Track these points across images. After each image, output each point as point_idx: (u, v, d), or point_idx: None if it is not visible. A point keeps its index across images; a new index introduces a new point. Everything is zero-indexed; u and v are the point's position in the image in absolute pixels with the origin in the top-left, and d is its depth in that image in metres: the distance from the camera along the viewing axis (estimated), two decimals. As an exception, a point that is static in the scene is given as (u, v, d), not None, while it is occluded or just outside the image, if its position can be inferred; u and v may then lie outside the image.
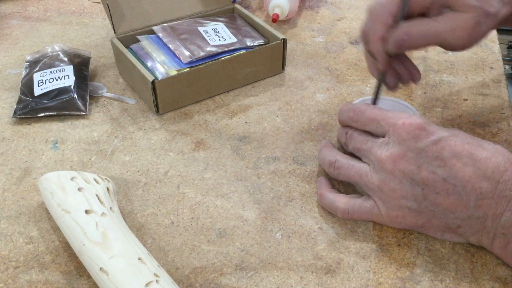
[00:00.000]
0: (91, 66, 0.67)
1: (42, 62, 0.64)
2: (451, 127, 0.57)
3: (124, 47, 0.63)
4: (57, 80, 0.61)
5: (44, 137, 0.57)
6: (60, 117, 0.60)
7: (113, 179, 0.51)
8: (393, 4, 0.46)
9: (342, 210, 0.46)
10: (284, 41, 0.65)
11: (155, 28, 0.66)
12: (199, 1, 0.70)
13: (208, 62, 0.61)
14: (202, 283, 0.42)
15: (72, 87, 0.61)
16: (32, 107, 0.59)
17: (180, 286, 0.42)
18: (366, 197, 0.46)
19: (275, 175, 0.52)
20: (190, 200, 0.50)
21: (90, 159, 0.54)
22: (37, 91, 0.61)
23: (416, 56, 0.71)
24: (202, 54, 0.62)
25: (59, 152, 0.55)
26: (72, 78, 0.62)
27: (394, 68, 0.51)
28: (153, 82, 0.57)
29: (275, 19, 0.74)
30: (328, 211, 0.48)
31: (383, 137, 0.45)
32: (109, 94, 0.64)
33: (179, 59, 0.62)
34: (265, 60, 0.65)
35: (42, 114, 0.59)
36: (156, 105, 0.59)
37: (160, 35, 0.65)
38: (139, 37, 0.66)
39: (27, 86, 0.62)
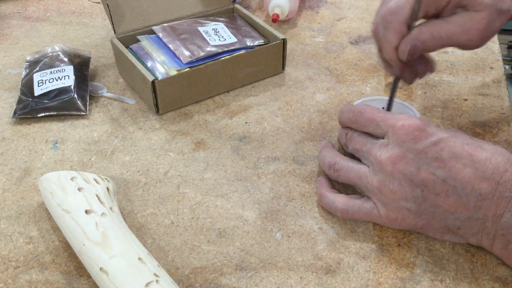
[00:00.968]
0: (91, 66, 0.67)
1: (42, 62, 0.64)
2: (451, 127, 0.57)
3: (124, 47, 0.63)
4: (57, 80, 0.61)
5: (44, 137, 0.57)
6: (60, 117, 0.60)
7: (113, 179, 0.51)
8: (406, 10, 0.45)
9: (342, 210, 0.46)
10: (284, 41, 0.65)
11: (155, 28, 0.66)
12: (199, 1, 0.70)
13: (208, 62, 0.61)
14: (202, 283, 0.42)
15: (72, 87, 0.61)
16: (32, 107, 0.59)
17: (180, 286, 0.42)
18: (366, 198, 0.46)
19: (275, 175, 0.52)
20: (190, 200, 0.50)
21: (90, 159, 0.54)
22: (37, 91, 0.61)
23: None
24: (202, 54, 0.62)
25: (59, 152, 0.55)
26: (72, 78, 0.62)
27: (410, 65, 0.50)
28: (153, 82, 0.57)
29: (275, 19, 0.74)
30: (328, 211, 0.48)
31: (383, 138, 0.45)
32: (109, 94, 0.64)
33: (179, 59, 0.62)
34: (265, 60, 0.65)
35: (42, 114, 0.59)
36: (156, 105, 0.59)
37: (160, 35, 0.65)
38: (139, 37, 0.66)
39: (27, 86, 0.62)
